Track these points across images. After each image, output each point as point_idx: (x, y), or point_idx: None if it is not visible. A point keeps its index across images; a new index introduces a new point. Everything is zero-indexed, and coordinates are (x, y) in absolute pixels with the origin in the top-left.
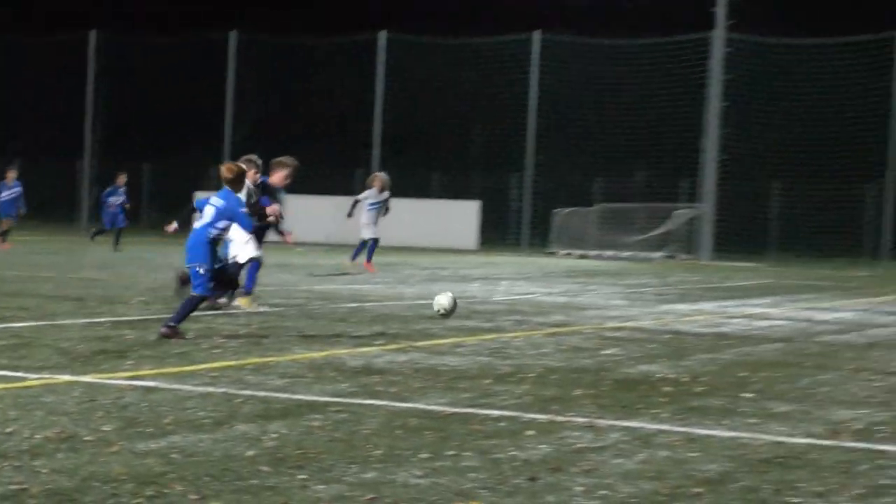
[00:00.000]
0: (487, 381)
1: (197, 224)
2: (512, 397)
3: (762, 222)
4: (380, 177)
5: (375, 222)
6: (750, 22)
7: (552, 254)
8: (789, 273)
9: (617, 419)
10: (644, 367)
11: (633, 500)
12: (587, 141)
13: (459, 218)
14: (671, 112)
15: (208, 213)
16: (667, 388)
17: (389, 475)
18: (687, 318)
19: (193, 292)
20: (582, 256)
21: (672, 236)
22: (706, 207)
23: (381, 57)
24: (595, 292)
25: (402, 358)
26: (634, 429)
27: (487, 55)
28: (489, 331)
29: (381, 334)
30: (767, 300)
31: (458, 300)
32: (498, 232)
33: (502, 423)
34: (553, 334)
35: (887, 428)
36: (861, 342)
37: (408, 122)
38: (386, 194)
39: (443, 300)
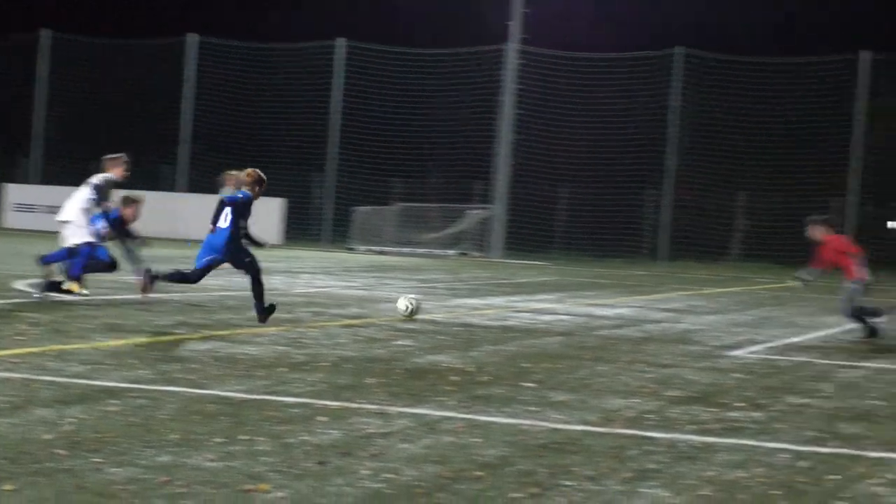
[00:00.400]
0: (283, 370)
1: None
2: (306, 385)
3: (550, 224)
4: (232, 175)
5: None
6: (542, 35)
7: (352, 250)
8: (573, 271)
9: (406, 406)
10: (433, 358)
11: (417, 483)
12: (388, 144)
13: (264, 214)
14: (467, 118)
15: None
16: (454, 378)
17: (183, 458)
18: (476, 312)
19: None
20: (380, 253)
21: (465, 235)
22: (498, 208)
23: (191, 59)
24: (391, 286)
25: (203, 346)
26: (421, 415)
27: (294, 59)
28: (288, 322)
29: (184, 324)
30: (552, 296)
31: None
32: (301, 229)
33: (296, 410)
34: (349, 325)
35: (656, 416)
36: (636, 336)
37: (218, 121)
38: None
39: (405, 303)
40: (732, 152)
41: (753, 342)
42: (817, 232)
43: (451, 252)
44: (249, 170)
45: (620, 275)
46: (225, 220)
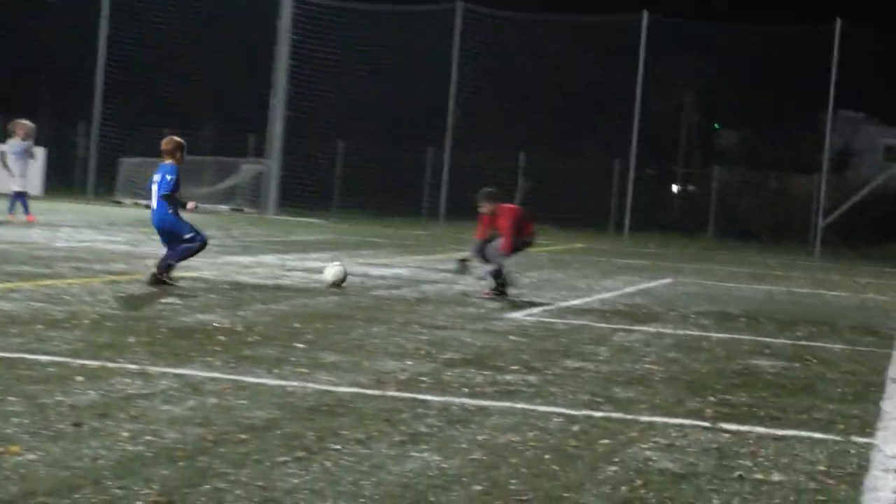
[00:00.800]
0: (40, 327)
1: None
2: (64, 343)
3: (328, 181)
4: (22, 124)
5: (24, 173)
6: None
7: (119, 203)
8: (351, 230)
9: (169, 366)
10: (201, 317)
11: (178, 446)
12: (160, 93)
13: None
14: (243, 69)
15: None
16: (221, 338)
17: None
18: (247, 270)
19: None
20: (149, 206)
21: (239, 190)
22: (273, 163)
23: None
24: (158, 242)
25: None
26: (185, 376)
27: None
28: (46, 276)
29: None
30: (327, 255)
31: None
32: (63, 180)
33: (51, 369)
34: (112, 282)
35: (429, 378)
36: (412, 297)
37: None
38: (29, 142)
39: (333, 272)
40: (514, 112)
41: (531, 305)
42: (486, 206)
43: (223, 207)
44: (167, 138)
45: (399, 234)
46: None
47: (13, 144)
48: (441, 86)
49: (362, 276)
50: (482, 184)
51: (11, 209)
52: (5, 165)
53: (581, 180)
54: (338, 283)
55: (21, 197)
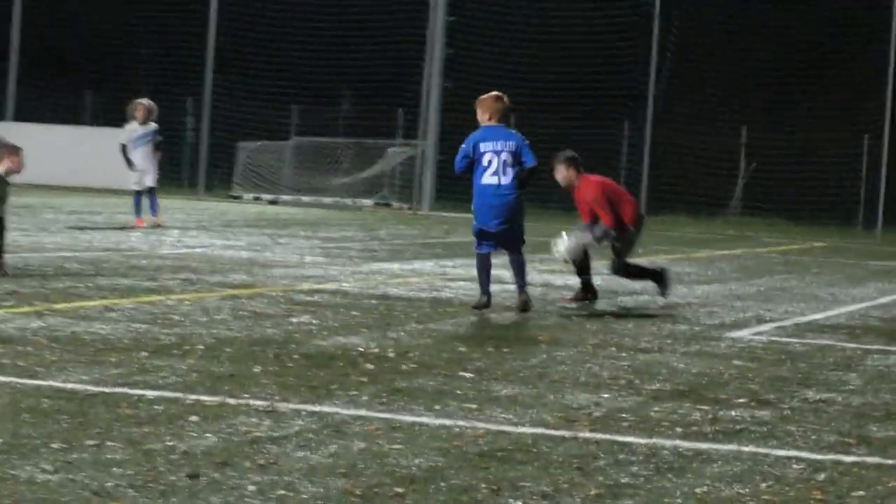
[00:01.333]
0: (144, 354)
1: None
2: (174, 374)
3: None
4: (141, 104)
5: (149, 166)
6: None
7: (237, 198)
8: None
9: (304, 403)
10: (342, 340)
11: (317, 502)
12: (283, 60)
13: (115, 151)
14: (389, 27)
15: None
16: (368, 366)
17: (11, 470)
18: (399, 280)
19: None
20: (273, 202)
21: (385, 180)
22: (427, 146)
23: None
24: (287, 246)
25: (37, 324)
26: (325, 415)
27: None
28: (150, 291)
29: (13, 293)
30: (497, 260)
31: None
32: (169, 169)
33: (159, 407)
34: (231, 297)
35: (632, 415)
36: (607, 311)
37: (52, 32)
38: (152, 125)
39: (561, 246)
40: (734, 78)
41: (760, 321)
42: (562, 173)
43: (366, 202)
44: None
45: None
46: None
47: (132, 130)
48: (636, 45)
49: (543, 285)
50: (690, 168)
51: (139, 211)
52: (127, 160)
53: (820, 163)
54: (570, 259)
55: (150, 195)
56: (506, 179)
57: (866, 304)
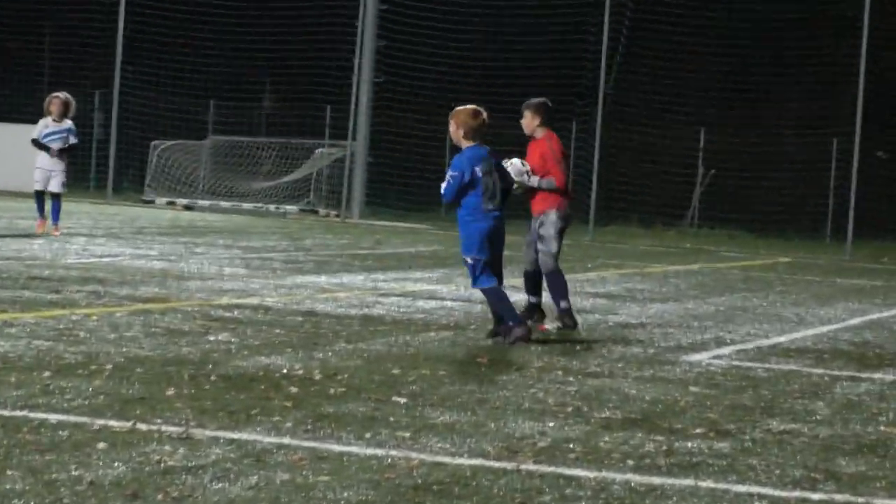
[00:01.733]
0: (47, 375)
1: None
2: (80, 397)
3: (432, 169)
4: (57, 98)
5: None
6: None
7: (149, 202)
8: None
9: (222, 429)
10: (264, 360)
11: None
12: (199, 51)
13: (15, 150)
14: (311, 14)
15: None
16: (293, 389)
17: None
18: (326, 295)
19: None
20: (188, 207)
21: (312, 184)
22: (358, 146)
23: None
24: (204, 256)
25: None
26: (245, 442)
27: None
28: (54, 305)
29: None
30: (435, 274)
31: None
32: (75, 170)
33: (64, 432)
34: (142, 312)
35: (579, 447)
36: (553, 331)
37: None
38: (67, 122)
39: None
40: (690, 74)
41: (719, 343)
42: (530, 121)
43: (290, 208)
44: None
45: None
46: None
47: (44, 126)
48: (586, 37)
49: (483, 302)
50: (644, 174)
51: (42, 212)
52: (44, 147)
53: (785, 168)
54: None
55: (55, 200)
56: (498, 202)
57: (835, 326)
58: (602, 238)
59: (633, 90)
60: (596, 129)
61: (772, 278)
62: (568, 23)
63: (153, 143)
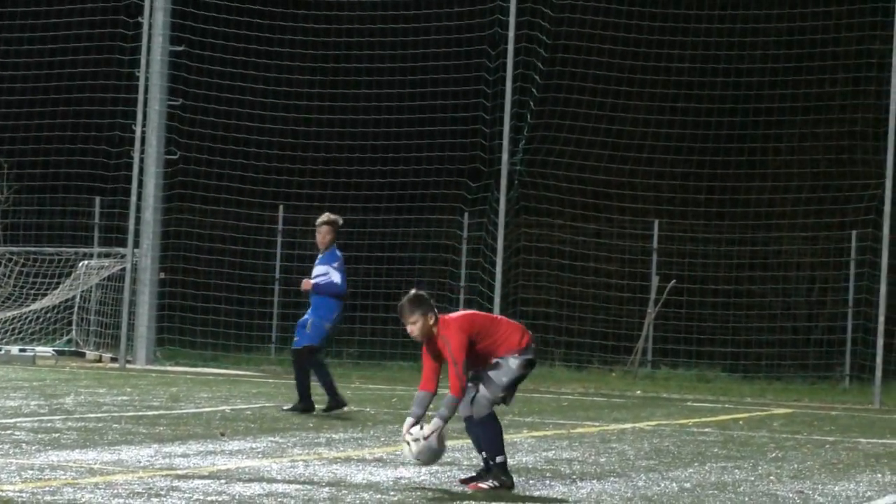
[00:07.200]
0: None
1: None
2: None
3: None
4: None
5: None
6: None
7: None
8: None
9: None
10: None
11: None
12: None
13: None
14: (78, 61)
15: None
16: None
17: None
18: (96, 480)
19: None
20: None
21: (75, 314)
22: (143, 255)
23: None
24: None
25: None
26: None
27: None
28: None
29: None
30: (259, 443)
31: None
32: None
33: None
34: None
35: None
36: None
37: None
38: None
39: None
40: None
41: None
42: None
43: (43, 350)
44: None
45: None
46: None
47: None
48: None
49: (331, 485)
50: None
51: None
52: None
53: (780, 274)
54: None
55: None
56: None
57: None
58: None
59: (550, 166)
60: (498, 224)
61: (762, 439)
62: (452, 80)
63: None
